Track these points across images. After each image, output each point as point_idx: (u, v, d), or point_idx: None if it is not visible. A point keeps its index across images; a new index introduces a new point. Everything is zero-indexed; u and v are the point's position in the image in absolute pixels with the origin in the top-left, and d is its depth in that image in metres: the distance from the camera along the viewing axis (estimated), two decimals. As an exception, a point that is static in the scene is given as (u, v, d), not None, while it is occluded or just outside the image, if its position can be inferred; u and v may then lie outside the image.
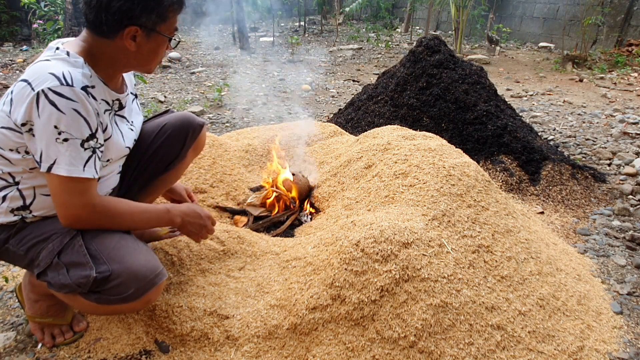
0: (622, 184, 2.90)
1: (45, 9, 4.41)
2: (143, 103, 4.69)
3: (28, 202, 1.25)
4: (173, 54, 7.51)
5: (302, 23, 11.87)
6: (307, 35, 11.06)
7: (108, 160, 1.32)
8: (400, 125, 2.65)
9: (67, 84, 1.11)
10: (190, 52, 8.33)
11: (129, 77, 1.47)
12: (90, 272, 1.17)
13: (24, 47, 7.56)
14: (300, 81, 6.15)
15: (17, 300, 1.66)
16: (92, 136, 1.17)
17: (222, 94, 5.03)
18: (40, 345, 1.48)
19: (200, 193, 2.23)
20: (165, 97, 4.99)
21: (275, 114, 4.47)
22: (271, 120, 4.27)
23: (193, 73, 6.39)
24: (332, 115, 4.17)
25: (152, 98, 4.90)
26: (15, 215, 1.26)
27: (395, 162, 2.03)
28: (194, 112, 4.33)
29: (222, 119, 4.27)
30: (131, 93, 1.47)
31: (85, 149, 1.16)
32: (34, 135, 1.13)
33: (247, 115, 4.44)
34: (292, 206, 2.27)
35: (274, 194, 2.27)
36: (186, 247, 1.69)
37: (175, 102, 4.79)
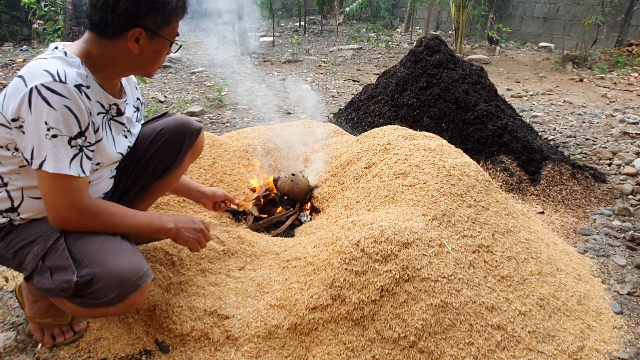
0: (622, 184, 2.90)
1: (45, 9, 4.41)
2: (143, 103, 4.69)
3: (16, 204, 1.24)
4: (173, 54, 7.51)
5: (302, 23, 11.87)
6: (307, 35, 11.07)
7: (98, 164, 1.30)
8: (401, 125, 2.65)
9: (61, 81, 1.10)
10: (190, 52, 8.33)
11: (131, 87, 1.47)
12: (72, 277, 1.15)
13: (24, 47, 7.56)
14: (301, 81, 6.15)
15: (17, 301, 1.66)
16: (81, 134, 1.16)
17: (222, 94, 5.03)
18: (40, 345, 1.48)
19: (201, 193, 2.23)
20: (165, 97, 4.99)
21: (276, 114, 4.47)
22: (271, 120, 4.27)
23: (193, 73, 6.39)
24: (332, 115, 4.17)
25: (152, 98, 4.90)
26: (3, 217, 1.25)
27: (396, 162, 2.03)
28: (194, 112, 4.33)
29: (222, 119, 4.27)
30: (133, 105, 1.47)
31: (72, 147, 1.15)
32: (23, 132, 1.12)
33: (247, 115, 4.44)
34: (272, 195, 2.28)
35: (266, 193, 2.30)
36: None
37: (176, 102, 4.79)
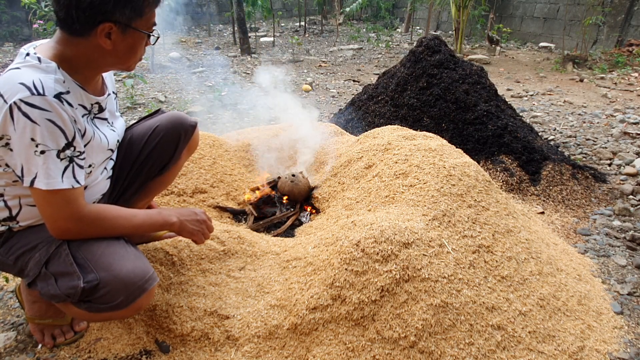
0: (623, 184, 2.89)
1: (46, 9, 4.41)
2: (143, 103, 4.69)
3: (14, 213, 1.23)
4: (173, 54, 7.51)
5: (303, 23, 11.88)
6: (307, 35, 11.07)
7: (90, 166, 1.27)
8: (401, 125, 2.65)
9: (39, 94, 1.06)
10: (190, 52, 8.33)
11: (109, 75, 1.42)
12: (78, 282, 1.14)
13: (25, 47, 7.55)
14: (301, 81, 6.15)
15: (17, 301, 1.66)
16: (69, 145, 1.13)
17: (222, 94, 5.03)
18: (40, 345, 1.48)
19: (201, 193, 2.24)
20: (165, 97, 4.99)
21: (276, 114, 4.47)
22: (271, 120, 4.27)
23: (193, 73, 6.39)
24: (332, 115, 4.17)
25: (152, 98, 4.90)
26: (2, 225, 1.24)
27: (396, 162, 2.03)
28: (194, 112, 4.33)
29: (222, 119, 4.27)
30: (112, 92, 1.42)
31: (62, 159, 1.11)
32: (11, 150, 1.09)
33: (247, 115, 4.44)
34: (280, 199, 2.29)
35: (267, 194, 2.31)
36: (186, 247, 1.69)
37: (176, 102, 4.79)
